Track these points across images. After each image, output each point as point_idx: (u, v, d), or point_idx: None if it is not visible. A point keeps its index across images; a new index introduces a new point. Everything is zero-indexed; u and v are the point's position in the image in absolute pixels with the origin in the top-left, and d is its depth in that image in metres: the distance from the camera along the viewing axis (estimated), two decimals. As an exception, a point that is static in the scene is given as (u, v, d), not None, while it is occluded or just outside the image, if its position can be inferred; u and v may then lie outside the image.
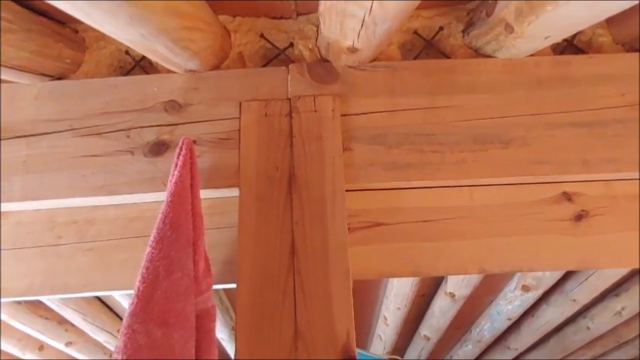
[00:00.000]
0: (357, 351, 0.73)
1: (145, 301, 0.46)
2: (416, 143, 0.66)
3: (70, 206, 0.66)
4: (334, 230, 0.60)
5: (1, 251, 0.64)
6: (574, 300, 1.64)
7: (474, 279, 1.48)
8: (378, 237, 0.64)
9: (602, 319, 1.80)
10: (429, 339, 1.93)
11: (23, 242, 0.65)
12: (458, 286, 1.54)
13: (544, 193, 0.66)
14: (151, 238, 0.50)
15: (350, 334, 0.55)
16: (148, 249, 0.49)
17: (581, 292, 1.58)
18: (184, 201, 0.53)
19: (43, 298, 1.10)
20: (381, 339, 1.95)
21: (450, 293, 1.60)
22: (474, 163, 0.65)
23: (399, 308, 1.64)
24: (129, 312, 0.45)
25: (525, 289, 1.58)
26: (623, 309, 1.74)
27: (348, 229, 0.63)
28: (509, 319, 1.79)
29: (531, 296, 1.61)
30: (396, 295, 1.57)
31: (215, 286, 0.61)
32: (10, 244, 0.65)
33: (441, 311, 1.72)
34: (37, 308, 1.34)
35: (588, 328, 1.90)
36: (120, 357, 0.42)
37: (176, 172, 0.54)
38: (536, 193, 0.66)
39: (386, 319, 1.75)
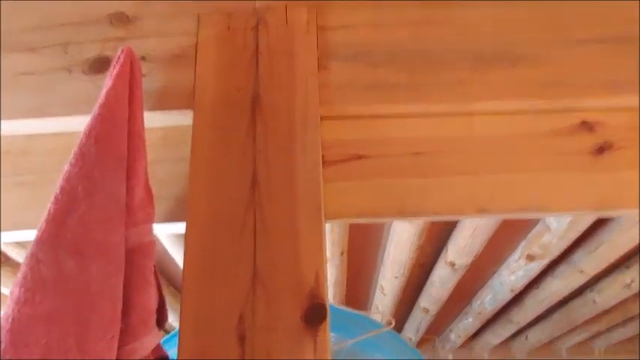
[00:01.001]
0: (333, 305, 0.65)
1: (55, 226, 0.37)
2: (405, 61, 0.55)
3: (2, 134, 0.57)
4: (304, 160, 0.51)
5: None
6: (581, 271, 1.55)
7: (475, 247, 1.39)
8: (358, 172, 0.54)
9: (610, 292, 1.71)
10: (427, 311, 1.86)
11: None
12: (458, 254, 1.45)
13: (559, 121, 0.55)
14: (71, 154, 0.41)
15: (319, 278, 0.46)
16: (67, 166, 0.40)
17: (589, 263, 1.49)
18: (117, 115, 0.44)
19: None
20: (378, 310, 1.88)
21: (451, 262, 1.52)
22: (474, 85, 0.54)
23: (396, 277, 1.57)
24: (35, 239, 0.36)
25: (530, 258, 1.49)
26: (632, 282, 1.65)
27: (324, 162, 0.53)
28: (512, 291, 1.70)
29: (536, 266, 1.52)
30: (393, 263, 1.49)
31: (165, 225, 0.52)
32: None
33: (441, 281, 1.64)
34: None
35: (595, 301, 1.82)
36: (18, 291, 0.34)
37: (109, 82, 0.45)
38: (550, 122, 0.55)
39: (383, 289, 1.68)
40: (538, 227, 1.31)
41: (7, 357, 0.31)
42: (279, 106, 0.53)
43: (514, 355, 2.42)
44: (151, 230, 0.44)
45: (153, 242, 0.44)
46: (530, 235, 1.36)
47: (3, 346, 0.32)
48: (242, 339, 0.44)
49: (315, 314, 0.44)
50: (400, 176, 0.53)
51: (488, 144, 0.55)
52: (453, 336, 2.21)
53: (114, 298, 0.38)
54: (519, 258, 1.49)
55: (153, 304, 0.42)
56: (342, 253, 1.44)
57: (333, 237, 1.35)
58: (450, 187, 0.53)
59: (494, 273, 1.67)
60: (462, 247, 1.39)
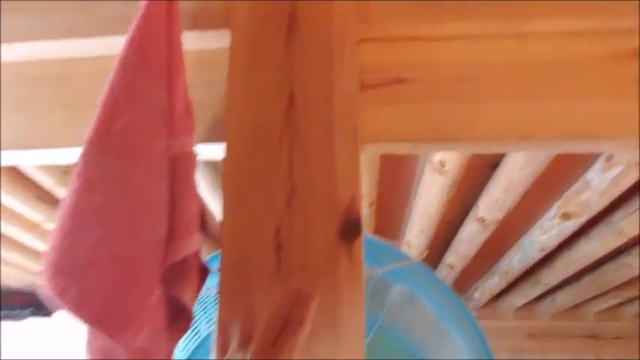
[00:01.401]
0: (369, 237, 0.65)
1: (103, 130, 0.38)
2: (452, -23, 0.52)
3: (44, 59, 0.59)
4: (341, 80, 0.49)
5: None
6: (620, 232, 1.49)
7: (508, 202, 1.36)
8: (398, 96, 0.52)
9: (648, 257, 1.64)
10: (453, 267, 1.86)
11: (1, 98, 0.59)
12: (489, 209, 1.42)
13: (616, 44, 0.51)
14: (115, 64, 0.41)
15: (355, 196, 0.46)
16: (111, 76, 0.40)
17: (629, 224, 1.42)
18: (156, 28, 0.43)
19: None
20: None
21: (481, 218, 1.49)
22: (524, 2, 0.50)
23: (423, 231, 1.56)
24: (87, 139, 0.38)
25: (566, 216, 1.44)
26: (672, 247, 1.57)
27: (362, 86, 0.52)
28: (543, 250, 1.67)
29: (571, 225, 1.47)
30: (422, 216, 1.48)
31: (202, 145, 0.53)
32: (-15, 99, 0.59)
33: (469, 237, 1.63)
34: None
35: (630, 265, 1.76)
36: (75, 183, 0.36)
37: (146, -1, 0.44)
38: (606, 46, 0.51)
39: (409, 243, 1.68)
40: (577, 184, 1.25)
41: (69, 239, 0.33)
42: (317, 26, 0.51)
43: (538, 317, 2.41)
44: (191, 142, 0.45)
45: (194, 153, 0.45)
46: (568, 193, 1.31)
47: (65, 229, 0.34)
48: (279, 249, 0.45)
49: (350, 229, 0.45)
50: (443, 101, 0.51)
51: (538, 69, 0.52)
52: (477, 294, 2.21)
53: (159, 200, 0.39)
54: (554, 216, 1.44)
55: (195, 209, 0.43)
56: (370, 205, 1.44)
57: (361, 188, 1.34)
58: (495, 113, 0.50)
59: (525, 232, 1.63)
60: (493, 202, 1.36)
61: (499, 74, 0.52)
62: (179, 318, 0.46)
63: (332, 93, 0.49)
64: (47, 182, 1.27)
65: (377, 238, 0.66)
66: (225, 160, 0.48)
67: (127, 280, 0.36)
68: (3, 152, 0.57)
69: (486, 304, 2.33)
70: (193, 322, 0.67)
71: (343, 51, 0.51)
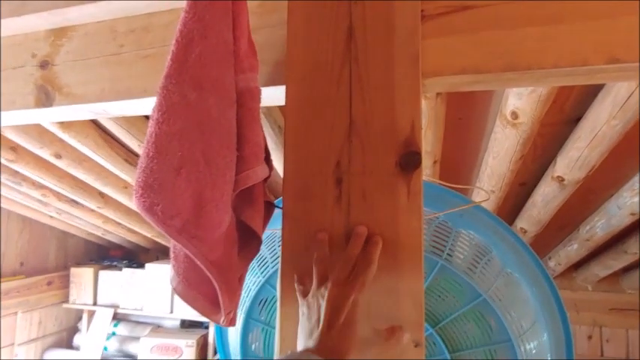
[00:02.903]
0: (426, 181, 0.65)
1: (178, 63, 0.42)
2: None
3: (128, 15, 0.64)
4: (402, 10, 0.48)
5: (73, 62, 0.66)
6: None
7: (592, 159, 1.23)
8: (463, 24, 0.49)
9: None
10: (525, 232, 1.76)
11: (91, 53, 0.66)
12: (569, 167, 1.31)
13: None
14: (185, 4, 0.44)
15: (415, 128, 0.45)
16: (182, 14, 0.44)
17: None
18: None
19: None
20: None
21: (559, 177, 1.38)
22: None
23: (493, 191, 1.48)
24: (164, 74, 0.42)
25: (662, 176, 1.28)
26: None
27: (423, 17, 0.50)
28: (633, 215, 1.51)
29: (669, 186, 1.31)
30: (491, 176, 1.41)
31: (264, 89, 0.56)
32: (80, 55, 0.67)
33: (544, 200, 1.52)
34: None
35: None
36: (156, 114, 0.40)
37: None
38: None
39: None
40: (678, 137, 1.10)
41: (155, 161, 0.38)
42: (377, -43, 0.50)
43: (623, 290, 2.21)
44: (255, 78, 0.48)
45: (258, 88, 0.48)
46: (666, 147, 1.15)
47: (151, 153, 0.39)
48: (339, 181, 0.46)
49: (409, 161, 0.45)
50: (513, 26, 0.48)
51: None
52: (552, 263, 2.08)
53: (229, 127, 0.43)
54: (648, 176, 1.29)
55: (261, 140, 0.47)
56: (434, 163, 1.40)
57: (425, 145, 1.31)
58: (575, 34, 0.46)
59: (611, 194, 1.48)
60: (574, 160, 1.25)
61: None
62: (249, 243, 0.51)
63: (392, 23, 0.48)
64: (133, 145, 1.41)
65: (439, 184, 0.65)
66: (286, 95, 0.50)
67: (205, 198, 0.40)
68: (92, 104, 0.64)
69: (562, 274, 2.19)
70: (262, 258, 0.72)
71: (404, -19, 0.49)
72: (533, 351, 0.60)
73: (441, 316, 0.63)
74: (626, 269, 2.03)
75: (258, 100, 0.47)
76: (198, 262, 0.40)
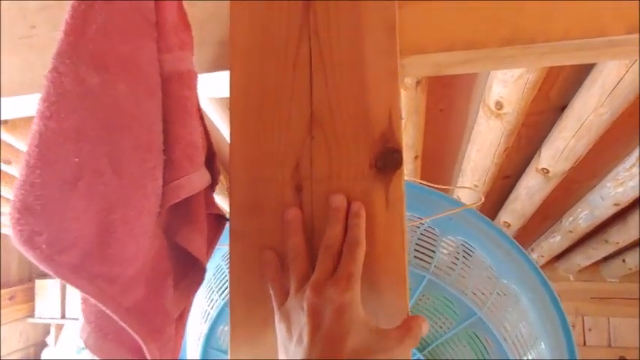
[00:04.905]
0: (412, 183, 0.55)
1: (74, 36, 0.30)
2: None
3: (38, -12, 0.52)
4: (374, -28, 0.38)
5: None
6: None
7: (578, 150, 1.17)
8: (449, -9, 0.40)
9: None
10: (509, 226, 1.71)
11: (-4, 36, 0.53)
12: (554, 159, 1.25)
13: None
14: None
15: (393, 118, 0.36)
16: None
17: None
18: None
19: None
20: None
21: (543, 169, 1.32)
22: None
23: (476, 185, 1.42)
24: (54, 53, 0.30)
25: (647, 165, 1.24)
26: None
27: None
28: (616, 205, 1.47)
29: (653, 175, 1.27)
30: (474, 170, 1.34)
31: (206, 75, 0.45)
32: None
33: (529, 193, 1.46)
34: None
35: None
36: (42, 106, 0.29)
37: None
38: None
39: (460, 199, 1.55)
40: (665, 126, 1.05)
41: (37, 172, 0.27)
42: None
43: (604, 279, 2.21)
44: (188, 59, 0.37)
45: (192, 72, 0.37)
46: (652, 136, 1.11)
47: (32, 161, 0.27)
48: (299, 189, 0.36)
49: (387, 161, 0.35)
50: (509, -9, 0.39)
51: None
52: (534, 255, 2.05)
53: (149, 123, 0.32)
54: (632, 166, 1.24)
55: (197, 138, 0.35)
56: (415, 158, 1.32)
57: (406, 139, 1.22)
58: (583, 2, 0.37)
59: (594, 185, 1.44)
60: (560, 150, 1.19)
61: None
62: (190, 271, 0.40)
63: (361, -9, 0.38)
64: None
65: (422, 184, 0.56)
66: (230, 82, 0.39)
67: (114, 220, 0.29)
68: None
69: (545, 266, 2.17)
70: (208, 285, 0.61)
71: None
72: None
73: (429, 337, 0.54)
74: (607, 258, 2.02)
75: (193, 86, 0.36)
76: (108, 311, 0.29)
